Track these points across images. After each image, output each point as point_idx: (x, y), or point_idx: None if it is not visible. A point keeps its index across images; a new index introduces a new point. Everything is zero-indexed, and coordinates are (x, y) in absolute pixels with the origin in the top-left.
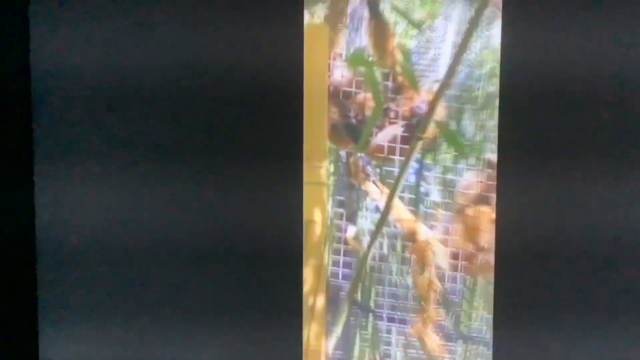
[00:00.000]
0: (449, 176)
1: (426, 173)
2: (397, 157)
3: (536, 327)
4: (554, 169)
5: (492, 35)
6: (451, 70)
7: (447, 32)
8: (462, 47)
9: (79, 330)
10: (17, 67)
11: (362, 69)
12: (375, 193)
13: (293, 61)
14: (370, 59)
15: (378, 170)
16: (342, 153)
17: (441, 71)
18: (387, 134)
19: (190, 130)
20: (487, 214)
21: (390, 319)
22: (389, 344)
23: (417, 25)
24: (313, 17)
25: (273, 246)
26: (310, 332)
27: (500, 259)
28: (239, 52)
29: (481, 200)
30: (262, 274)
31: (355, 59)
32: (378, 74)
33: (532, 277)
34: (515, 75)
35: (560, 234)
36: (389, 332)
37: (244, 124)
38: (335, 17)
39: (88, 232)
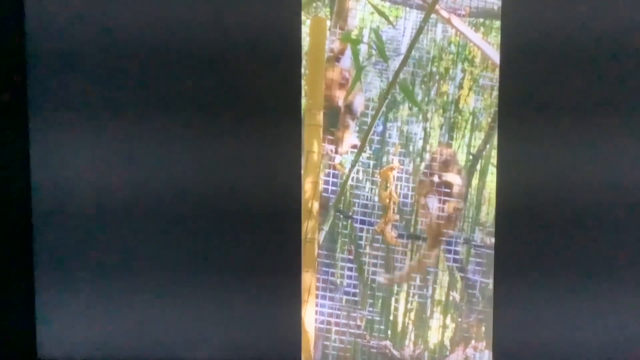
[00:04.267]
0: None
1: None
2: (369, 112)
3: (536, 286)
4: (553, 128)
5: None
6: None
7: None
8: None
9: (74, 289)
10: (11, 25)
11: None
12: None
13: (292, 25)
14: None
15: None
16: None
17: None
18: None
19: (188, 89)
20: None
21: (362, 222)
22: (360, 238)
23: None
24: None
25: (273, 195)
26: (308, 226)
27: (501, 218)
28: (240, 11)
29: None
30: (263, 222)
31: (345, 37)
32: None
33: (532, 235)
34: (515, 33)
35: (560, 192)
36: (360, 230)
37: (247, 81)
38: None
39: (83, 190)
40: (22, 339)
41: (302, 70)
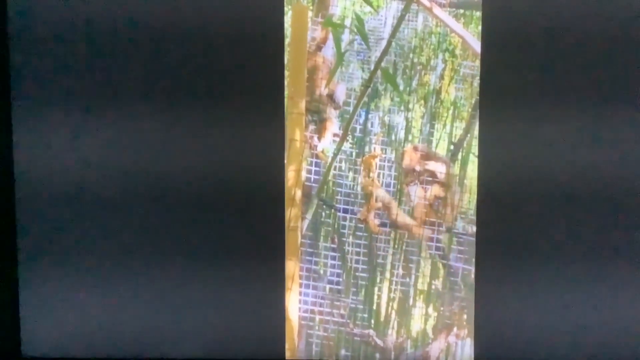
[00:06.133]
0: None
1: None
2: (352, 100)
3: (519, 269)
4: (534, 113)
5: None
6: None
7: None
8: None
9: (58, 277)
10: None
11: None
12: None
13: (274, 13)
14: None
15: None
16: (315, 92)
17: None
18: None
19: (170, 77)
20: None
21: (345, 210)
22: (343, 227)
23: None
24: None
25: (257, 180)
26: (291, 215)
27: (483, 203)
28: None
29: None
30: (247, 205)
31: (327, 22)
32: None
33: (514, 220)
34: (496, 20)
35: (542, 177)
36: (344, 219)
37: (228, 68)
38: None
39: (67, 177)
40: (5, 337)
41: (285, 58)
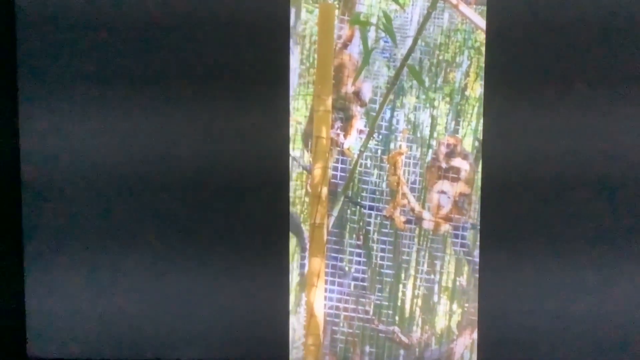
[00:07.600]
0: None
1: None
2: (377, 98)
3: (523, 264)
4: (539, 101)
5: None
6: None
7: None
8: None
9: (64, 278)
10: None
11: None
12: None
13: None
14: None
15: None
16: (341, 91)
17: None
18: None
19: (179, 62)
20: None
21: (370, 207)
22: (368, 224)
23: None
24: None
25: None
26: (317, 212)
27: (486, 192)
28: None
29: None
30: (251, 197)
31: (354, 20)
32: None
33: (517, 207)
34: (502, 7)
35: (546, 164)
36: (369, 216)
37: (236, 57)
38: None
39: (72, 163)
40: (11, 337)
41: (290, 45)
